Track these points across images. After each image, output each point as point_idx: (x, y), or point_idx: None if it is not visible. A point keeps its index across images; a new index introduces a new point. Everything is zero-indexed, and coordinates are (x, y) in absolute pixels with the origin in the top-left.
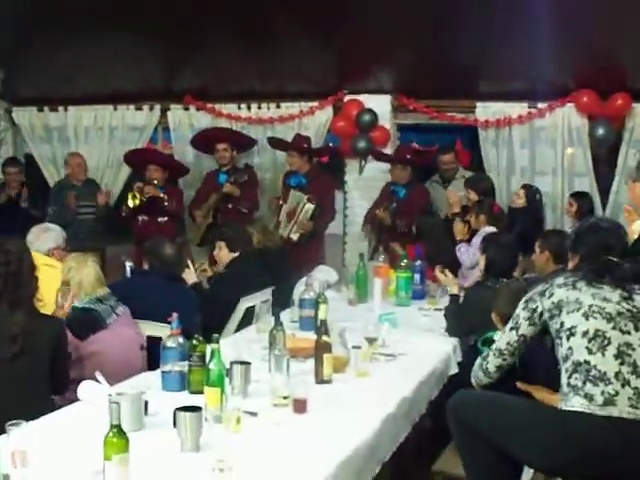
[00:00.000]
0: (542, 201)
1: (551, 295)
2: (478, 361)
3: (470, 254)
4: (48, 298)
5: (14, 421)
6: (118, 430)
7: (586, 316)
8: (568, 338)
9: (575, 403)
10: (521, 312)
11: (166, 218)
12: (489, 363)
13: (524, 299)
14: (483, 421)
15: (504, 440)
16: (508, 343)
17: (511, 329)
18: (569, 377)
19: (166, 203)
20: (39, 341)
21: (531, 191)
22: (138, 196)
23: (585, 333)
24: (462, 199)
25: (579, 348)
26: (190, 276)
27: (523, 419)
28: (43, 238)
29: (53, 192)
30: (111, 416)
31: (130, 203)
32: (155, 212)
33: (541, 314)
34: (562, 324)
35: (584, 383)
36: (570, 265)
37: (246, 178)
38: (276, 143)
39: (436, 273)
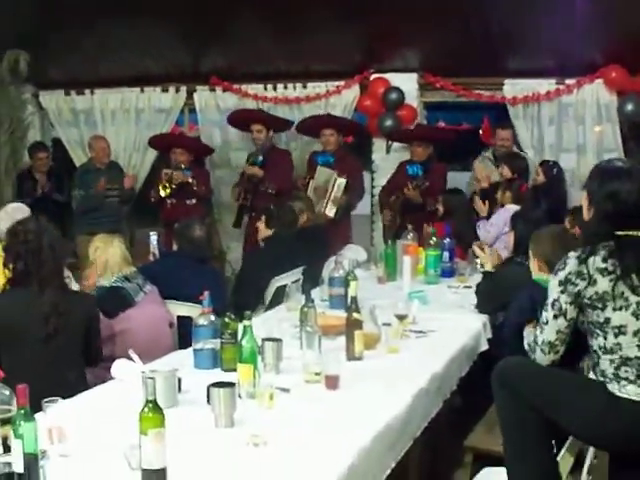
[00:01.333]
0: (562, 176)
1: (594, 283)
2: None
3: (487, 230)
4: None
5: (50, 398)
6: (154, 405)
7: (636, 316)
8: (616, 335)
9: (630, 392)
10: (561, 296)
11: (194, 201)
12: (539, 359)
13: (559, 280)
14: (532, 388)
15: (551, 410)
16: (559, 332)
17: (556, 317)
18: (617, 369)
19: (195, 187)
20: (72, 319)
21: (549, 167)
22: (168, 185)
23: (636, 332)
24: (491, 175)
25: (630, 345)
26: None
27: (574, 395)
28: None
29: (77, 176)
30: (146, 391)
31: (162, 193)
32: (184, 195)
33: (582, 298)
34: (608, 320)
35: (638, 377)
36: (585, 214)
37: (261, 159)
38: (309, 124)
39: (474, 247)
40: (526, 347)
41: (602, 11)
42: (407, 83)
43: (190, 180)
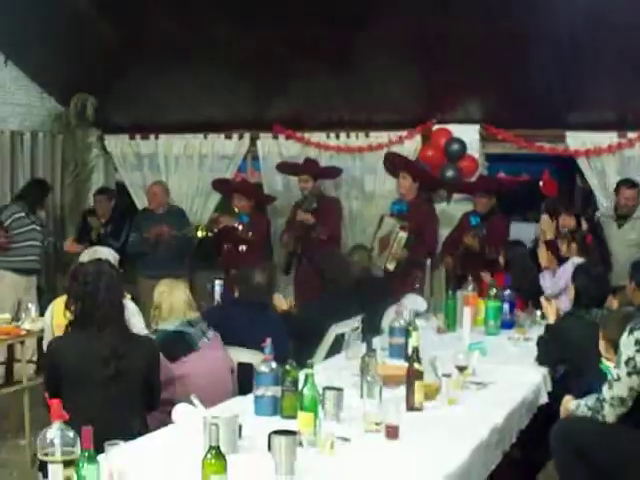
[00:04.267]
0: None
1: None
2: (587, 411)
3: (553, 282)
4: None
5: (112, 441)
6: (217, 451)
7: None
8: None
9: None
10: (637, 355)
11: (245, 246)
12: (607, 415)
13: (636, 340)
14: (597, 447)
15: (616, 468)
16: (631, 389)
17: (630, 374)
18: None
19: (240, 233)
20: (133, 362)
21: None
22: (205, 228)
23: None
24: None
25: None
26: (280, 302)
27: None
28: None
29: (136, 220)
30: (210, 438)
31: (199, 233)
32: (235, 241)
33: None
34: None
35: None
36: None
37: (315, 206)
38: (394, 159)
39: (542, 300)
40: (582, 412)
41: None
42: (469, 134)
43: (236, 225)
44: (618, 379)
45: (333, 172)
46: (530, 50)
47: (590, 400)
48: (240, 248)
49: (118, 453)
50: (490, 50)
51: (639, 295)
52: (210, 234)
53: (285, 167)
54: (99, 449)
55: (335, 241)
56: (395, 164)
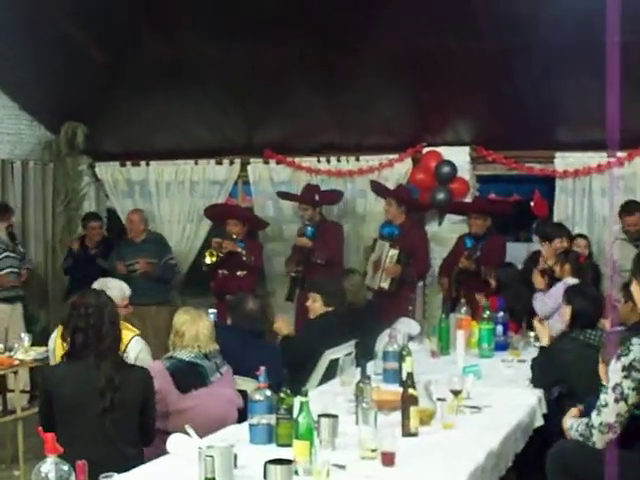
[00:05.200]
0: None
1: None
2: (578, 436)
3: (545, 303)
4: None
5: (106, 474)
6: None
7: None
8: None
9: None
10: (624, 381)
11: (245, 272)
12: (597, 442)
13: (623, 366)
14: (594, 473)
15: None
16: (618, 415)
17: (617, 400)
18: None
19: (244, 258)
20: (129, 394)
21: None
22: (215, 253)
23: None
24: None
25: None
26: (281, 326)
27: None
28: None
29: (116, 249)
30: (205, 469)
31: (207, 260)
32: (234, 265)
33: None
34: None
35: None
36: (637, 296)
37: (310, 229)
38: (378, 188)
39: (535, 322)
40: (574, 436)
41: None
42: (459, 156)
43: (240, 250)
44: (606, 405)
45: (333, 197)
46: (517, 71)
47: (581, 426)
48: (238, 273)
49: None
50: (478, 72)
51: (633, 315)
52: (219, 259)
53: (285, 196)
54: None
55: (335, 265)
56: (379, 192)
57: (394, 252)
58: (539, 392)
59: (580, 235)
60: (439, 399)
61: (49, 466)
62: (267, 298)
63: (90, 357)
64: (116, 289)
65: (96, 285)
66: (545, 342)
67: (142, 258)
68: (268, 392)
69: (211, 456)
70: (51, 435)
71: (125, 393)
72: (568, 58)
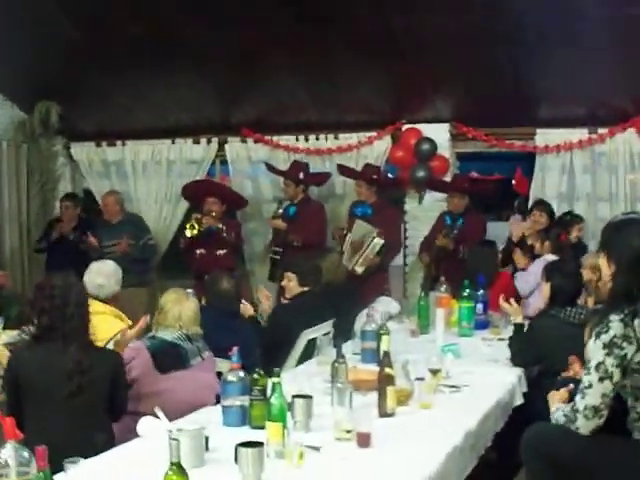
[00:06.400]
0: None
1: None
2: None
3: (526, 281)
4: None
5: (72, 458)
6: (178, 467)
7: None
8: None
9: None
10: (606, 359)
11: (225, 250)
12: (581, 427)
13: (604, 343)
14: (572, 456)
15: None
16: (604, 395)
17: (602, 379)
18: None
19: (224, 234)
20: (97, 377)
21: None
22: (196, 226)
23: None
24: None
25: None
26: (246, 309)
27: (619, 458)
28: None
29: (93, 230)
30: (171, 453)
31: (188, 233)
32: (214, 244)
33: (629, 361)
34: None
35: None
36: (605, 270)
37: (281, 212)
38: (345, 171)
39: (500, 302)
40: (559, 420)
41: (633, 61)
42: (439, 134)
43: (220, 226)
44: (590, 386)
45: (320, 178)
46: (498, 48)
47: (567, 408)
48: (218, 253)
49: (78, 470)
50: (458, 48)
51: None
52: (199, 233)
53: (271, 169)
54: (62, 467)
55: (313, 247)
56: (347, 175)
57: (379, 242)
58: (519, 370)
59: (576, 216)
60: (418, 379)
61: (8, 452)
62: (247, 278)
63: (57, 339)
64: (112, 269)
65: (94, 266)
66: (519, 319)
67: (119, 239)
68: (241, 373)
69: (176, 439)
70: (10, 419)
71: (93, 376)
72: (549, 33)
